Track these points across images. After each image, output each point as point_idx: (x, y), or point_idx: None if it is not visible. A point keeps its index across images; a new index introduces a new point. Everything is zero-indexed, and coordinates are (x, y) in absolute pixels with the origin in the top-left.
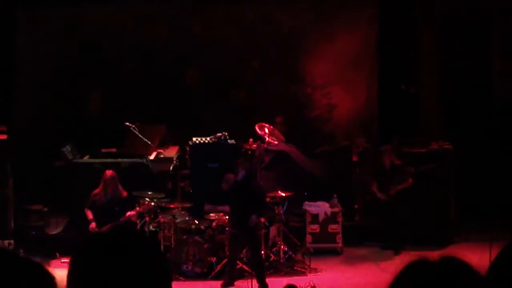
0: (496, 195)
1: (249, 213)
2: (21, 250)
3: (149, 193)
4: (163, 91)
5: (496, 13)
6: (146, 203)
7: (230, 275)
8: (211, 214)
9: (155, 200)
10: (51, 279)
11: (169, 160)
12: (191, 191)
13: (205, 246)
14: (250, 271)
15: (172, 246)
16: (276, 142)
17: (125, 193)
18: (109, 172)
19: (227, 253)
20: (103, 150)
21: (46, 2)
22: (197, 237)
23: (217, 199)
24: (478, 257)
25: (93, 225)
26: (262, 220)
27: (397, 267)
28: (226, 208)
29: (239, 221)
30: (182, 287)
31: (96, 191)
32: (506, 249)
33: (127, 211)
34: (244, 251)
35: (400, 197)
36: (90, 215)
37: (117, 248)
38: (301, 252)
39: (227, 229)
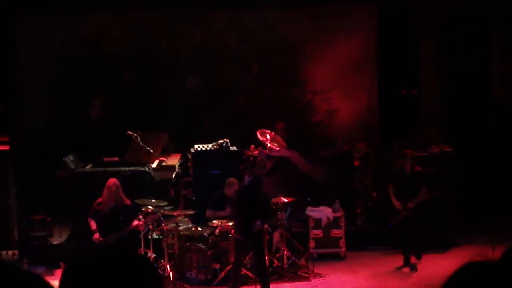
0: (498, 197)
1: (254, 219)
2: (25, 260)
3: (152, 201)
4: (164, 98)
5: (495, 15)
6: (150, 211)
7: (234, 281)
8: (214, 221)
9: (157, 208)
10: None
11: (171, 168)
12: (193, 198)
13: (209, 253)
14: (254, 277)
15: (176, 253)
16: (278, 148)
17: (128, 202)
18: (112, 181)
19: (232, 259)
20: (106, 159)
21: (47, 11)
22: (200, 244)
23: (218, 204)
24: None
25: (96, 235)
26: (266, 226)
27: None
28: (227, 212)
29: (244, 227)
30: None
31: (99, 200)
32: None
33: (131, 220)
34: (247, 257)
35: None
36: (93, 225)
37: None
38: (304, 257)
39: (231, 235)
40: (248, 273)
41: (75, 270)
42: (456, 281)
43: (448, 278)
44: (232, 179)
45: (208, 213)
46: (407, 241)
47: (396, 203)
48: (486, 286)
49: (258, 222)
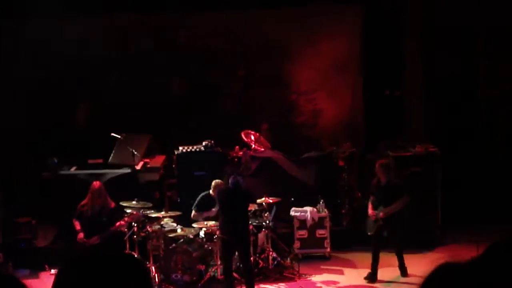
0: (482, 197)
1: (241, 219)
2: (10, 263)
3: (136, 203)
4: (149, 100)
5: (481, 16)
6: (134, 212)
7: (227, 284)
8: (199, 223)
9: (142, 210)
10: None
11: (156, 169)
12: (178, 199)
13: (194, 254)
14: (239, 278)
15: (161, 255)
16: (262, 149)
17: (112, 204)
18: (96, 184)
19: (218, 261)
20: (90, 161)
21: (31, 13)
22: (185, 246)
23: (203, 205)
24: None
25: (81, 235)
26: (250, 227)
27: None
28: (212, 212)
29: (229, 227)
30: None
31: (84, 202)
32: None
33: (115, 221)
34: (233, 257)
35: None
36: (77, 225)
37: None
38: (289, 258)
39: (216, 236)
40: (233, 274)
41: (68, 272)
42: (431, 282)
43: (424, 279)
44: (218, 181)
45: (194, 214)
46: (378, 250)
47: (371, 212)
48: (459, 286)
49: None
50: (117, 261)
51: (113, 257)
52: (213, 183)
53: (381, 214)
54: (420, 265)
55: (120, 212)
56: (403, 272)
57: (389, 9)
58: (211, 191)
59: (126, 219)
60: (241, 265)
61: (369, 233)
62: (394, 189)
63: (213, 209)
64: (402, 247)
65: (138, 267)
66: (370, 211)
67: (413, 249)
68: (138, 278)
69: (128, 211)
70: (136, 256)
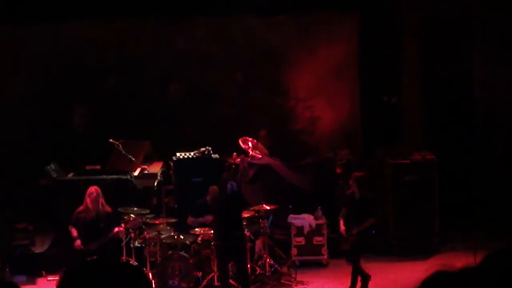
0: (480, 204)
1: (236, 226)
2: (6, 269)
3: (134, 209)
4: (147, 105)
5: (477, 21)
6: (132, 219)
7: None
8: (196, 229)
9: (139, 216)
10: None
11: (153, 176)
12: (175, 206)
13: (191, 261)
14: (236, 285)
15: (158, 261)
16: (260, 156)
17: (109, 209)
18: (92, 188)
19: (215, 268)
20: (88, 167)
21: (29, 18)
22: (182, 252)
23: (200, 212)
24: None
25: (78, 242)
26: (248, 233)
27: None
28: (208, 219)
29: (226, 233)
30: None
31: (81, 208)
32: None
33: (113, 227)
34: (229, 264)
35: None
36: (74, 232)
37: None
38: (286, 265)
39: (213, 243)
40: (230, 281)
41: (69, 282)
42: None
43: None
44: (214, 187)
45: (190, 220)
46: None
47: (342, 228)
48: None
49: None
50: (119, 270)
51: (115, 266)
52: (209, 189)
53: (354, 231)
54: (417, 272)
55: (117, 217)
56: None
57: (386, 16)
58: (207, 197)
59: (127, 225)
60: (237, 272)
61: (342, 248)
62: (367, 205)
63: (209, 216)
64: (359, 263)
65: (139, 277)
66: (342, 227)
67: (410, 256)
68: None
69: (129, 219)
70: (135, 264)
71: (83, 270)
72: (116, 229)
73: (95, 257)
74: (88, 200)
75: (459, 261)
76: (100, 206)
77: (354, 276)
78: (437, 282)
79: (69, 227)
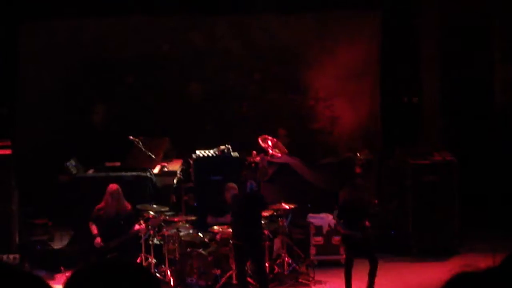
0: (501, 205)
1: (255, 225)
2: (26, 265)
3: (153, 206)
4: (165, 103)
5: (497, 22)
6: (151, 216)
7: None
8: (215, 227)
9: (159, 213)
10: None
11: (172, 173)
12: (195, 204)
13: (209, 259)
14: (254, 283)
15: (177, 259)
16: (279, 155)
17: (129, 206)
18: (113, 186)
19: (233, 266)
20: (107, 164)
21: (48, 16)
22: (201, 250)
23: (219, 210)
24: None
25: (98, 240)
26: (266, 232)
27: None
28: (228, 218)
29: (244, 232)
30: None
31: (101, 205)
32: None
33: (132, 224)
34: (248, 263)
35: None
36: (94, 229)
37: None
38: (305, 264)
39: (231, 241)
40: (248, 279)
41: (77, 280)
42: None
43: None
44: (231, 184)
45: (209, 219)
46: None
47: (348, 232)
48: None
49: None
50: (127, 272)
51: (122, 268)
52: (226, 186)
53: (358, 234)
54: (436, 273)
55: (136, 215)
56: None
57: (407, 16)
58: (225, 194)
59: (148, 222)
60: (255, 271)
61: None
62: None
63: (229, 215)
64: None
65: (148, 279)
66: (347, 231)
67: (429, 257)
68: None
69: (148, 217)
70: (153, 261)
71: (90, 272)
72: (137, 227)
73: (115, 254)
74: (108, 198)
75: (479, 262)
76: (120, 203)
77: (371, 275)
78: (462, 283)
79: (89, 224)
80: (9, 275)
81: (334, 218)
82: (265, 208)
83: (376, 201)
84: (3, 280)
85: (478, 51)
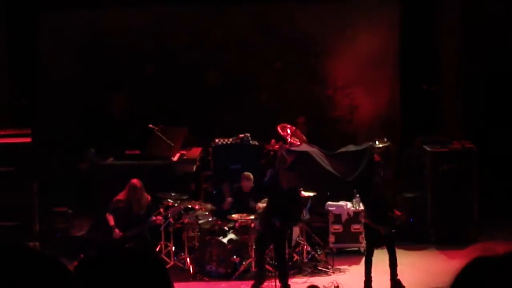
0: None
1: (279, 213)
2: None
3: (172, 194)
4: (185, 92)
5: None
6: (171, 204)
7: (258, 276)
8: (234, 215)
9: (178, 201)
10: (72, 278)
11: (192, 161)
12: (214, 192)
13: (229, 246)
14: (273, 271)
15: (196, 247)
16: (298, 143)
17: (148, 197)
18: (135, 181)
19: (252, 254)
20: (127, 152)
21: (68, 5)
22: (220, 238)
23: (235, 197)
24: None
25: (117, 231)
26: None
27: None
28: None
29: (265, 219)
30: (206, 287)
31: (120, 197)
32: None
33: (151, 214)
34: (267, 251)
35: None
36: (111, 221)
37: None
38: (324, 252)
39: (250, 229)
40: (267, 266)
41: (83, 268)
42: (466, 276)
43: (458, 273)
44: (247, 173)
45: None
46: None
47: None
48: (493, 281)
49: (277, 223)
50: (136, 261)
51: (131, 257)
52: (242, 175)
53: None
54: (455, 261)
55: (155, 204)
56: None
57: (426, 3)
58: (241, 183)
59: (167, 211)
60: (275, 259)
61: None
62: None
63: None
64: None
65: (156, 268)
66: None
67: (448, 246)
68: (156, 282)
69: (168, 205)
70: (172, 249)
71: (98, 259)
72: (154, 218)
73: (132, 243)
74: (130, 193)
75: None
76: (142, 199)
77: (392, 265)
78: (479, 267)
79: (107, 215)
80: (32, 259)
81: (353, 207)
82: (292, 195)
83: (400, 213)
84: (26, 263)
85: (498, 40)
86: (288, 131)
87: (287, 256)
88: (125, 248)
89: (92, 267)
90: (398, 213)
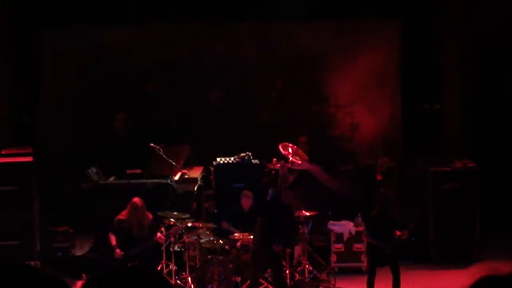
0: None
1: (275, 234)
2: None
3: (173, 213)
4: (186, 111)
5: None
6: (172, 223)
7: None
8: (236, 234)
9: (179, 221)
10: None
11: (193, 180)
12: (215, 211)
13: (230, 266)
14: None
15: (197, 266)
16: (300, 162)
17: (150, 216)
18: (137, 201)
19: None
20: (128, 171)
21: (70, 24)
22: (222, 257)
23: (234, 216)
24: None
25: (118, 251)
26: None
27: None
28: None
29: (263, 240)
30: None
31: (122, 216)
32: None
33: (154, 233)
34: (269, 270)
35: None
36: (113, 240)
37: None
38: (326, 271)
39: (251, 246)
40: (269, 286)
41: (92, 286)
42: None
43: None
44: (247, 192)
45: (224, 224)
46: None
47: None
48: None
49: (279, 247)
50: (142, 279)
51: (138, 274)
52: (242, 193)
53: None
54: (457, 280)
55: (157, 223)
56: None
57: (428, 22)
58: (241, 202)
59: (169, 231)
60: (274, 279)
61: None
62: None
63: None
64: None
65: (163, 287)
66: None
67: (450, 265)
68: None
69: (169, 224)
70: (174, 268)
71: (105, 278)
72: (158, 235)
73: (135, 262)
74: (132, 212)
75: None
76: (143, 218)
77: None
78: (488, 285)
79: (109, 234)
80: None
81: (355, 226)
82: (289, 215)
83: (401, 233)
84: (29, 282)
85: (501, 59)
86: (290, 150)
87: (288, 275)
88: (130, 266)
89: (100, 286)
90: (398, 232)
